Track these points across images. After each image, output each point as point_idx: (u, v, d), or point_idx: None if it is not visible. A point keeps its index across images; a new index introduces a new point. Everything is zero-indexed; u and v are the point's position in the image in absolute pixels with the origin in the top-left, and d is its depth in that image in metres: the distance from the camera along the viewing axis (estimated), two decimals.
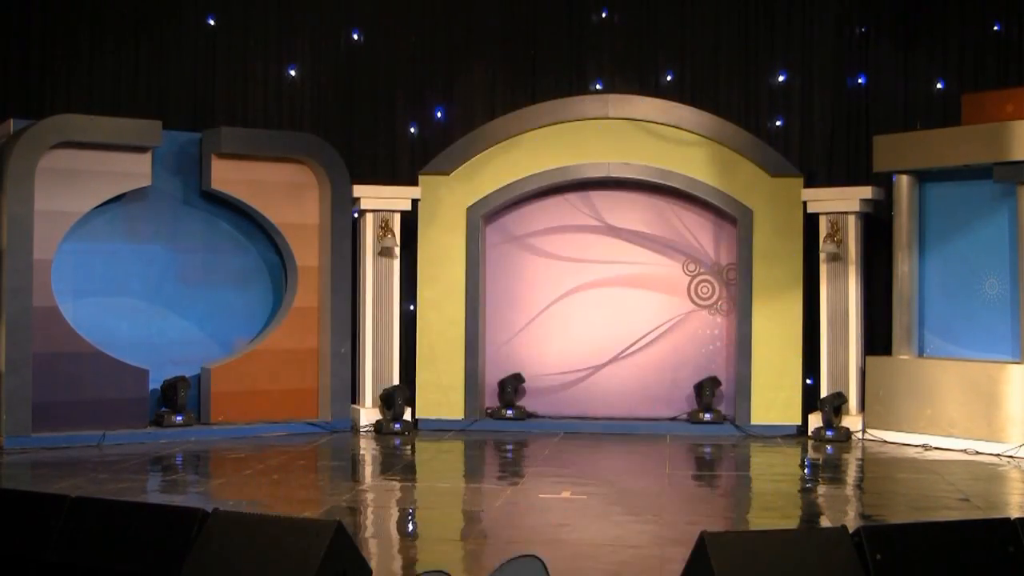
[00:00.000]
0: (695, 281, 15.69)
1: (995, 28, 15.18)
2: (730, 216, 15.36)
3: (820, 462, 13.63)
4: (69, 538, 6.88)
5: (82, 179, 13.91)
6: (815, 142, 16.01)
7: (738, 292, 15.28)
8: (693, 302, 15.71)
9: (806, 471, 13.35)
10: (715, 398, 15.34)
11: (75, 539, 6.88)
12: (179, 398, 14.35)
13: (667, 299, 15.68)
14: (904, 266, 14.60)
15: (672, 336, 15.67)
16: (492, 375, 15.65)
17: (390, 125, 16.49)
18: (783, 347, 15.02)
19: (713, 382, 15.32)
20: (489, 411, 15.59)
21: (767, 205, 15.12)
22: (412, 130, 16.55)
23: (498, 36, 16.58)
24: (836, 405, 14.67)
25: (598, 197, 15.83)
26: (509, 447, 14.30)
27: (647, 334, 15.57)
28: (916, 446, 14.05)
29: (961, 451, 13.65)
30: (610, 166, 15.44)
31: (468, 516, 10.49)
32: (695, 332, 15.71)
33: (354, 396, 15.53)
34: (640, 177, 15.37)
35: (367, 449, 14.20)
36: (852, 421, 14.73)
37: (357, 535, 8.96)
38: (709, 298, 15.69)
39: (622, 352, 15.59)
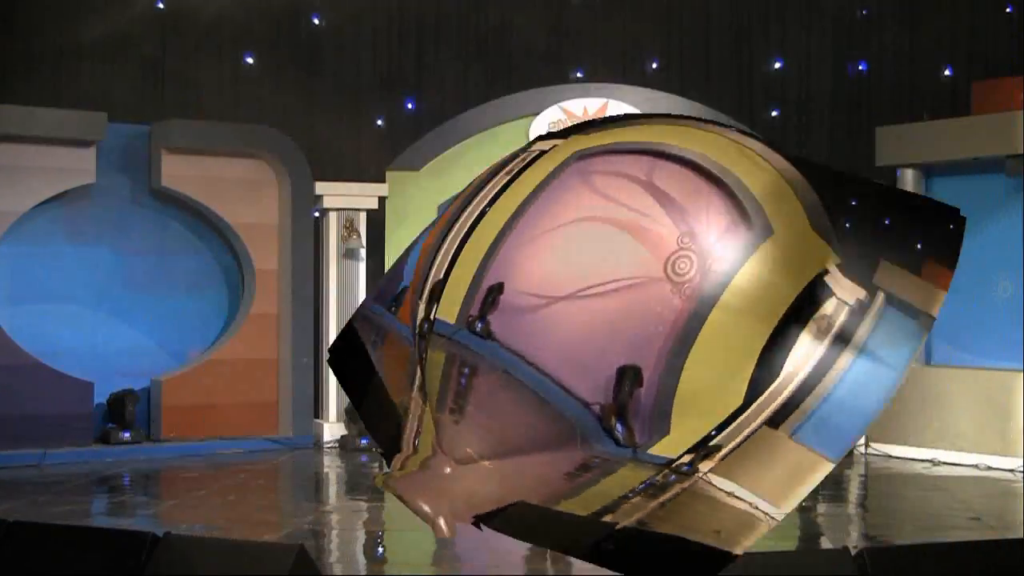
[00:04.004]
0: None
1: (1007, 11, 15.25)
2: None
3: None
4: (6, 567, 6.84)
5: (20, 176, 13.85)
6: (813, 134, 16.06)
7: None
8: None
9: None
10: None
11: (13, 567, 6.84)
12: (127, 413, 14.29)
13: None
14: None
15: None
16: None
17: (355, 118, 16.48)
18: None
19: None
20: None
21: None
22: (379, 123, 16.55)
23: (471, 21, 16.59)
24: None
25: None
26: None
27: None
28: (923, 461, 14.08)
29: (972, 466, 13.68)
30: None
31: (440, 539, 10.46)
32: None
33: (317, 410, 15.50)
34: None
35: (331, 467, 14.18)
36: None
37: (321, 560, 8.94)
38: None
39: None
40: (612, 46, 16.53)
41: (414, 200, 15.55)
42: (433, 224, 5.09)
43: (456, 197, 5.00)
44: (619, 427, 4.12)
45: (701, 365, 4.14)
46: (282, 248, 15.28)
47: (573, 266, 4.36)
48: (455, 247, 4.77)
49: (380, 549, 10.23)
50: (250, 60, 16.28)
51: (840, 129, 16.01)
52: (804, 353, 4.19)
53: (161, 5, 16.00)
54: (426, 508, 4.35)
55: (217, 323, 15.45)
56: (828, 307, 4.23)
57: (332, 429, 15.28)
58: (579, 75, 16.45)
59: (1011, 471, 13.30)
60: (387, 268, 16.55)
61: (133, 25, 15.94)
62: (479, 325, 4.37)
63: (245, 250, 15.20)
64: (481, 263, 4.64)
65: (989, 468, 13.53)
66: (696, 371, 4.13)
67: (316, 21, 16.51)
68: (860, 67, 15.96)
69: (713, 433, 4.17)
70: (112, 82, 15.76)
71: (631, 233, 4.32)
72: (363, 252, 15.49)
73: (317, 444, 15.18)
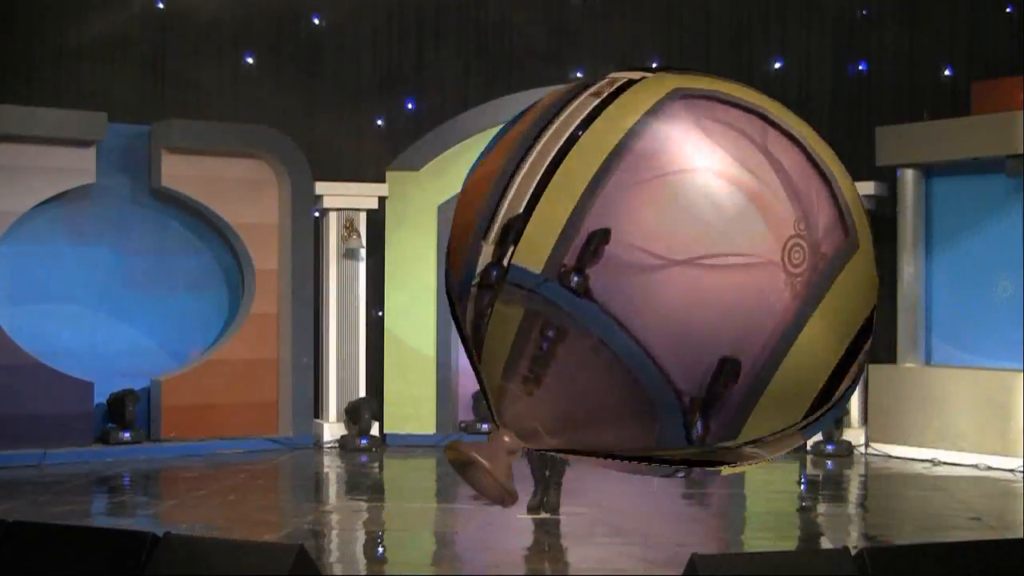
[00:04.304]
0: None
1: (1007, 11, 15.21)
2: None
3: (820, 478, 13.65)
4: (6, 567, 6.84)
5: (21, 176, 13.84)
6: None
7: None
8: None
9: (805, 488, 13.37)
10: None
11: (13, 567, 6.83)
12: (127, 413, 14.28)
13: None
14: (909, 267, 14.64)
15: None
16: (466, 386, 15.61)
17: (355, 117, 16.45)
18: None
19: None
20: (463, 425, 15.56)
21: None
22: (379, 123, 16.52)
23: (471, 21, 16.57)
24: (836, 417, 14.67)
25: None
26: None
27: None
28: (923, 461, 14.08)
29: (972, 466, 13.68)
30: None
31: (440, 539, 10.48)
32: None
33: (317, 410, 15.49)
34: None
35: (331, 467, 14.17)
36: (854, 434, 14.75)
37: (321, 560, 8.93)
38: None
39: None
40: (612, 46, 16.50)
41: (414, 200, 15.55)
42: (489, 150, 4.44)
43: (516, 120, 4.40)
44: (699, 425, 3.97)
45: (792, 372, 4.03)
46: (282, 248, 15.27)
47: (691, 225, 3.94)
48: (538, 176, 4.11)
49: (380, 549, 10.22)
50: (250, 60, 16.24)
51: (840, 129, 15.95)
52: (848, 382, 4.22)
53: (161, 5, 15.95)
54: (485, 464, 4.14)
55: (217, 323, 15.44)
56: (868, 344, 4.25)
57: (332, 429, 15.27)
58: (579, 75, 16.42)
59: (1011, 471, 13.30)
60: (387, 268, 16.55)
61: (133, 25, 15.89)
62: (575, 279, 3.74)
63: (245, 250, 15.19)
64: (580, 201, 3.99)
65: (989, 468, 13.52)
66: (786, 377, 4.02)
67: (316, 21, 16.48)
68: (860, 67, 15.93)
69: (767, 436, 4.14)
70: (112, 82, 15.71)
71: (752, 201, 3.99)
72: (363, 252, 15.48)
73: (317, 444, 15.17)
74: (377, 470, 14.11)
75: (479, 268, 4.10)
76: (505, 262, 4.04)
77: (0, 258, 13.95)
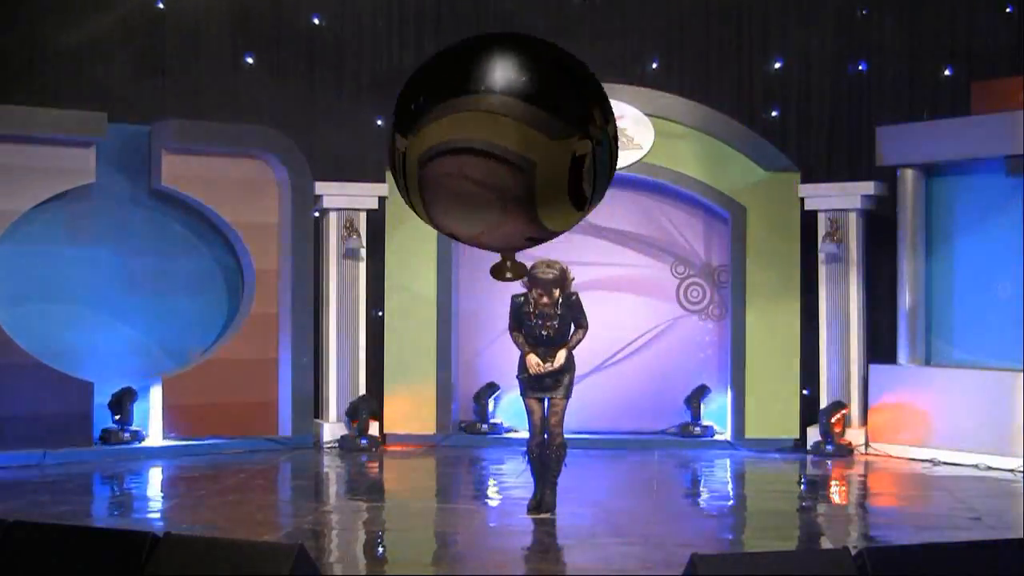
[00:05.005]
0: (684, 284, 15.70)
1: (1007, 11, 15.20)
2: (722, 214, 15.37)
3: (819, 478, 13.64)
4: (5, 566, 6.83)
5: (20, 176, 13.82)
6: (813, 134, 16.03)
7: (731, 296, 15.29)
8: (682, 307, 15.72)
9: (804, 488, 13.37)
10: (706, 410, 15.35)
11: (12, 567, 6.83)
12: (127, 413, 14.28)
13: (654, 303, 15.68)
14: (909, 267, 14.62)
15: (660, 343, 15.67)
16: (466, 386, 15.61)
17: (355, 117, 16.44)
18: (779, 355, 15.02)
19: (704, 392, 15.34)
20: (463, 425, 15.56)
21: (761, 202, 15.12)
22: (379, 122, 16.51)
23: (471, 20, 16.55)
24: (837, 417, 14.67)
25: None
26: (485, 464, 14.27)
27: (633, 341, 15.56)
28: (923, 461, 14.07)
29: (972, 466, 13.66)
30: None
31: (440, 539, 10.47)
32: (685, 339, 15.71)
33: (317, 410, 15.49)
34: (625, 173, 15.31)
35: (331, 467, 14.16)
36: (854, 434, 14.74)
37: (321, 560, 8.93)
38: (699, 302, 15.70)
39: (606, 361, 15.57)
40: (612, 46, 16.49)
41: None
42: None
43: None
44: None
45: None
46: (282, 248, 15.26)
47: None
48: None
49: (380, 549, 10.22)
50: (250, 60, 16.23)
51: (840, 129, 15.98)
52: None
53: (161, 4, 15.94)
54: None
55: (217, 323, 15.43)
56: None
57: (332, 429, 15.26)
58: None
59: (1011, 471, 13.29)
60: (387, 268, 16.54)
61: (133, 25, 15.87)
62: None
63: (245, 250, 15.18)
64: None
65: (989, 468, 13.51)
66: None
67: (316, 21, 16.47)
68: (860, 67, 15.91)
69: None
70: (112, 82, 15.69)
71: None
72: (363, 252, 15.47)
73: (317, 444, 15.16)
74: (377, 470, 14.11)
75: None
76: None
77: (0, 258, 13.94)
